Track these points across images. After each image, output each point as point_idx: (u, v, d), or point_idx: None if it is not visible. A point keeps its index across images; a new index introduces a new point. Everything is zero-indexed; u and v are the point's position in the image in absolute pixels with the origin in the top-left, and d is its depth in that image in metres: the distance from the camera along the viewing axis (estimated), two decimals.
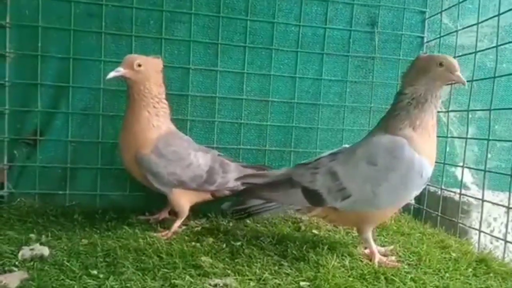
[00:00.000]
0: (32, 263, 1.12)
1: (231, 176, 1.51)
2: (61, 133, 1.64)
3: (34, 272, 1.06)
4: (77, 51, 1.61)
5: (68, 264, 1.11)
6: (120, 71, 1.34)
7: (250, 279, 1.10)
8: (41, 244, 1.23)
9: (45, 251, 1.18)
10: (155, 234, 1.37)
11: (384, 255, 1.30)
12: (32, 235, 1.31)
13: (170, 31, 1.68)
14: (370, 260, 1.26)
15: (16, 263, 1.11)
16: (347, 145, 1.38)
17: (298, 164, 1.36)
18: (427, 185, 1.83)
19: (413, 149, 1.19)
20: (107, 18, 1.63)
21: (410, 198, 1.25)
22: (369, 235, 1.27)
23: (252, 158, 1.78)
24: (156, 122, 1.40)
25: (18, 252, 1.17)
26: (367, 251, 1.31)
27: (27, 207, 1.57)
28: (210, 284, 1.05)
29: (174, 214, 1.50)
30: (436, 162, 1.79)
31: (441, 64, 1.21)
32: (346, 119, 1.83)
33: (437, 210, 1.73)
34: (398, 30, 1.84)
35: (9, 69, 1.59)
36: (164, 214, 1.57)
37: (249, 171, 1.55)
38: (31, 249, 1.18)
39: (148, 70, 1.38)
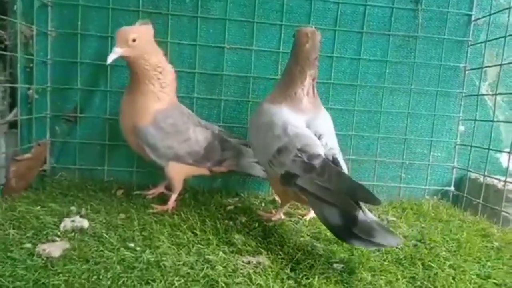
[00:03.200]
0: (73, 234, 1.17)
1: (230, 153, 1.50)
2: (100, 111, 1.68)
3: (75, 242, 1.10)
4: (115, 29, 1.61)
5: (106, 236, 1.15)
6: (118, 51, 1.30)
7: (283, 259, 1.10)
8: (81, 216, 1.28)
9: (85, 223, 1.23)
10: (151, 211, 1.38)
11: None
12: (72, 208, 1.36)
13: (205, 10, 1.67)
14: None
15: (58, 233, 1.16)
16: None
17: None
18: (468, 171, 1.76)
19: None
20: None
21: None
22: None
23: None
24: (160, 94, 1.39)
25: (60, 223, 1.22)
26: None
27: (68, 181, 1.64)
28: (243, 261, 1.06)
29: (170, 189, 1.49)
30: (479, 147, 1.73)
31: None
32: (384, 101, 1.77)
33: (478, 198, 1.65)
34: (444, 8, 1.73)
35: (51, 47, 1.64)
36: (161, 189, 1.58)
37: (245, 148, 1.53)
38: (72, 221, 1.23)
39: (143, 41, 1.33)
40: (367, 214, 1.04)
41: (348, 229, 1.00)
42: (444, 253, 1.19)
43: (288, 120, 1.25)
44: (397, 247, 1.18)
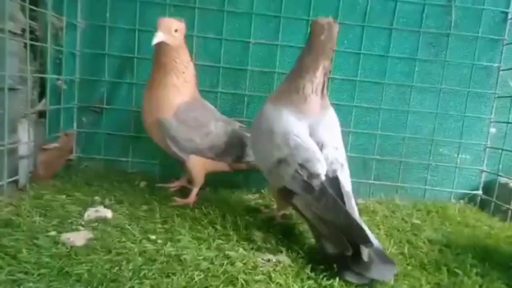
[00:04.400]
0: (96, 224, 1.19)
1: (250, 150, 1.48)
2: (126, 103, 1.71)
3: (98, 232, 1.12)
4: (142, 22, 1.64)
5: (129, 227, 1.16)
6: (161, 36, 1.33)
7: (303, 258, 1.08)
8: (105, 206, 1.30)
9: (109, 213, 1.25)
10: (172, 204, 1.39)
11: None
12: (96, 198, 1.39)
13: (232, 4, 1.66)
14: None
15: (82, 222, 1.19)
16: None
17: None
18: (498, 175, 1.70)
19: None
20: None
21: None
22: None
23: None
24: (183, 88, 1.40)
25: (84, 212, 1.24)
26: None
27: (93, 171, 1.67)
28: (263, 259, 1.05)
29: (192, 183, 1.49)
30: (510, 151, 1.66)
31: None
32: (412, 100, 1.72)
33: (508, 203, 1.59)
34: (479, 4, 1.66)
35: (80, 39, 1.66)
36: (183, 182, 1.59)
37: None
38: (96, 211, 1.25)
39: (181, 35, 1.38)
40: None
41: (344, 262, 0.99)
42: (470, 259, 1.15)
43: (290, 128, 1.16)
44: (421, 252, 1.16)
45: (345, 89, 1.72)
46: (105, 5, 1.63)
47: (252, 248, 1.11)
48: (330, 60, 1.21)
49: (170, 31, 1.34)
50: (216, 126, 1.46)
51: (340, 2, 1.66)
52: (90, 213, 1.24)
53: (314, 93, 1.19)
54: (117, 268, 0.95)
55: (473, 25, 1.68)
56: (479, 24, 1.68)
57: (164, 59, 1.38)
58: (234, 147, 1.48)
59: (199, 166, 1.46)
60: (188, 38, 1.58)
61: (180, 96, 1.40)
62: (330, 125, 1.23)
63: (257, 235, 1.18)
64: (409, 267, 1.08)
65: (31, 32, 1.51)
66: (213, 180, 1.63)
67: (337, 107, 1.70)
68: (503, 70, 1.70)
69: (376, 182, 1.75)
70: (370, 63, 1.71)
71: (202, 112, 1.46)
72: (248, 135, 1.53)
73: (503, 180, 1.70)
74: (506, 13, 1.68)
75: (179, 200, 1.43)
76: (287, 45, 1.68)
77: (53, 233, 1.09)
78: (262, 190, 1.66)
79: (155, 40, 1.31)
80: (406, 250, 1.17)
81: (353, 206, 1.08)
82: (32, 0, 1.45)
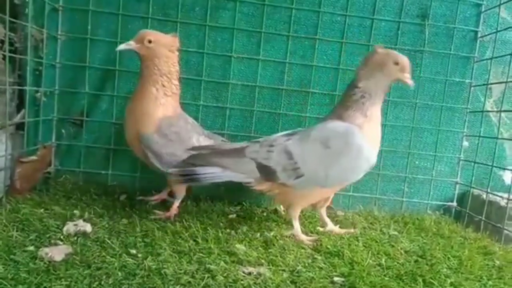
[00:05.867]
0: (75, 238, 1.18)
1: None
2: (106, 115, 1.70)
3: (78, 247, 1.11)
4: (124, 35, 1.64)
5: (109, 241, 1.15)
6: (130, 44, 1.38)
7: (283, 270, 1.10)
8: (84, 220, 1.29)
9: (88, 227, 1.23)
10: (153, 217, 1.39)
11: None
12: (76, 211, 1.37)
13: (214, 18, 1.69)
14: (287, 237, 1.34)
15: (61, 237, 1.17)
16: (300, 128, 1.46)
17: (251, 141, 1.41)
18: (471, 187, 1.76)
19: (365, 137, 1.31)
20: (154, 4, 1.65)
21: (357, 178, 1.37)
22: (298, 214, 1.38)
23: None
24: (163, 101, 1.41)
25: (63, 227, 1.23)
26: (289, 233, 1.36)
27: (72, 184, 1.65)
28: (244, 272, 1.06)
29: (173, 196, 1.50)
30: (482, 164, 1.73)
31: (396, 63, 1.32)
32: (388, 114, 1.77)
33: (480, 214, 1.65)
34: (451, 23, 1.74)
35: (60, 51, 1.66)
36: (163, 196, 1.59)
37: None
38: (75, 225, 1.24)
39: (160, 47, 1.39)
40: None
41: None
42: (445, 270, 1.19)
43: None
44: (398, 263, 1.19)
45: (324, 103, 1.76)
46: (87, 18, 1.63)
47: (233, 261, 1.12)
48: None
49: (142, 41, 1.37)
50: (198, 141, 1.47)
51: (319, 19, 1.71)
52: (69, 227, 1.22)
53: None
54: (97, 283, 0.94)
55: (445, 42, 1.76)
56: (451, 42, 1.76)
57: (143, 69, 1.41)
58: None
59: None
60: None
61: (161, 109, 1.41)
62: None
63: (239, 248, 1.19)
64: (386, 278, 1.11)
65: (11, 44, 1.50)
66: (194, 192, 1.64)
67: (317, 120, 1.76)
68: (474, 86, 1.78)
69: (355, 194, 1.79)
70: (348, 78, 1.74)
71: (184, 126, 1.46)
72: None
73: (476, 192, 1.76)
74: (476, 32, 1.76)
75: (159, 214, 1.43)
76: (268, 60, 1.72)
77: (31, 248, 1.08)
78: (244, 203, 1.67)
79: (119, 47, 1.38)
80: (383, 261, 1.20)
81: None
82: (12, 12, 1.44)
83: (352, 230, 1.45)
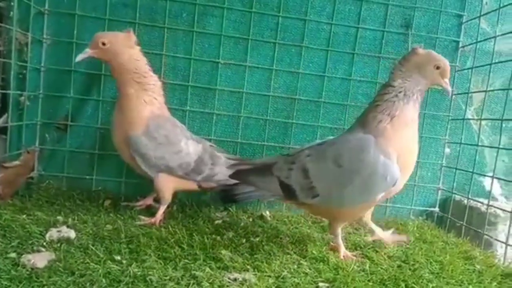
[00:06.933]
0: (59, 244, 1.16)
1: (220, 169, 1.50)
2: (91, 120, 1.69)
3: (61, 253, 1.10)
4: None
5: (93, 248, 1.14)
6: (87, 52, 1.38)
7: (269, 276, 1.10)
8: (67, 226, 1.27)
9: (72, 233, 1.22)
10: (138, 223, 1.38)
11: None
12: (59, 217, 1.35)
13: (201, 25, 1.69)
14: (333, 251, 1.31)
15: (44, 243, 1.15)
16: (331, 137, 1.41)
17: (279, 155, 1.40)
18: (453, 193, 1.80)
19: (381, 148, 1.17)
20: (141, 9, 1.65)
21: (375, 199, 1.23)
22: (338, 231, 1.30)
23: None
24: (146, 97, 1.41)
25: (46, 233, 1.21)
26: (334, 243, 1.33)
27: (55, 190, 1.62)
28: (229, 278, 1.06)
29: (159, 201, 1.49)
30: (463, 170, 1.77)
31: (437, 67, 1.23)
32: None
33: (462, 220, 1.68)
34: (433, 33, 1.79)
35: (45, 54, 1.64)
36: (149, 201, 1.58)
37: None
38: (58, 231, 1.22)
39: (116, 46, 1.39)
40: None
41: None
42: (427, 274, 1.21)
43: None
44: (381, 268, 1.21)
45: (310, 110, 1.78)
46: (73, 22, 1.62)
47: (219, 267, 1.12)
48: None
49: (97, 45, 1.38)
50: (187, 144, 1.47)
51: (305, 27, 1.73)
52: (52, 233, 1.20)
53: None
54: None
55: None
56: (433, 51, 1.79)
57: (113, 73, 1.43)
58: (204, 165, 1.49)
59: (167, 184, 1.46)
60: (157, 56, 1.62)
61: (146, 106, 1.41)
62: None
63: (224, 254, 1.19)
64: (370, 283, 1.12)
65: None
66: (179, 198, 1.63)
67: (303, 127, 1.79)
68: (455, 94, 1.82)
69: None
70: (334, 86, 1.78)
71: (173, 129, 1.46)
72: (220, 154, 1.54)
73: (457, 197, 1.80)
74: (457, 42, 1.81)
75: (145, 219, 1.42)
76: (255, 66, 1.73)
77: (12, 254, 1.06)
78: (230, 208, 1.67)
79: (78, 57, 1.39)
80: (367, 267, 1.21)
81: None
82: None
83: (404, 239, 1.37)
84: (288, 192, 1.27)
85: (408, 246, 1.44)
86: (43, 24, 1.62)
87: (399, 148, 1.19)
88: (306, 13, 1.73)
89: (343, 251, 1.30)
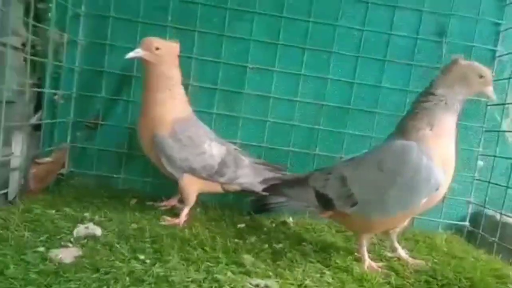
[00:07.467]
0: (85, 241, 1.18)
1: (243, 172, 1.51)
2: (121, 120, 1.72)
3: (87, 250, 1.12)
4: None
5: (118, 246, 1.16)
6: (139, 52, 1.40)
7: (291, 284, 1.09)
8: (94, 223, 1.30)
9: (98, 231, 1.24)
10: (162, 223, 1.40)
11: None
12: (86, 214, 1.38)
13: (231, 29, 1.70)
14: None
15: (71, 239, 1.18)
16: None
17: (316, 169, 1.41)
18: (485, 207, 1.73)
19: (424, 152, 1.16)
20: (173, 13, 1.68)
21: (419, 204, 1.18)
22: (364, 241, 1.28)
23: (300, 162, 1.75)
24: (172, 105, 1.44)
25: (74, 229, 1.23)
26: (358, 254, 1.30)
27: (84, 187, 1.67)
28: (251, 284, 1.05)
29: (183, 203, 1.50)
30: (497, 184, 1.70)
31: (481, 76, 1.23)
32: None
33: (494, 236, 1.61)
34: (469, 41, 1.73)
35: (80, 55, 1.69)
36: (173, 202, 1.59)
37: (261, 168, 1.56)
38: (85, 227, 1.24)
39: (166, 53, 1.42)
40: None
41: None
42: None
43: None
44: (408, 282, 1.17)
45: (337, 117, 1.75)
46: (107, 24, 1.67)
47: (240, 272, 1.11)
48: None
49: (150, 48, 1.40)
50: (210, 146, 1.48)
51: (335, 33, 1.71)
52: (80, 230, 1.23)
53: None
54: (104, 287, 0.94)
55: None
56: (468, 60, 1.73)
57: (150, 76, 1.44)
58: (227, 167, 1.49)
59: (191, 186, 1.47)
60: (186, 59, 1.63)
61: (171, 112, 1.44)
62: None
63: (246, 259, 1.18)
64: None
65: (32, 46, 1.53)
66: (203, 200, 1.64)
67: (329, 134, 1.76)
68: (490, 105, 1.76)
69: None
70: (362, 93, 1.75)
71: (197, 131, 1.48)
72: (243, 157, 1.54)
73: (489, 212, 1.73)
74: (494, 51, 1.75)
75: (169, 220, 1.43)
76: (283, 72, 1.72)
77: (41, 249, 1.09)
78: (252, 213, 1.66)
79: (128, 55, 1.39)
80: (393, 280, 1.17)
81: None
82: (35, 16, 1.48)
83: (423, 263, 1.32)
84: (325, 202, 1.26)
85: (435, 260, 1.39)
86: (79, 26, 1.67)
87: (440, 155, 1.18)
88: (336, 18, 1.71)
89: (368, 262, 1.26)
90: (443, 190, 1.21)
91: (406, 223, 1.35)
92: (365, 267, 1.24)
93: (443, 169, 1.18)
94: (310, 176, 1.32)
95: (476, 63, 1.27)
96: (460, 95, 1.22)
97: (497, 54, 1.75)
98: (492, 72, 1.71)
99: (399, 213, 1.22)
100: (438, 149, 1.18)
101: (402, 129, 1.24)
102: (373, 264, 1.27)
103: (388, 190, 1.17)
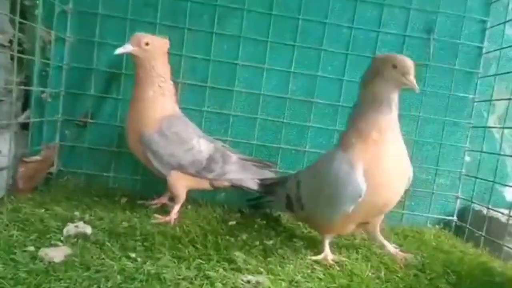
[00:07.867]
0: (75, 239, 1.18)
1: (231, 168, 1.52)
2: (110, 118, 1.71)
3: (77, 248, 1.11)
4: None
5: (108, 244, 1.15)
6: (128, 48, 1.40)
7: (282, 280, 1.09)
8: (84, 222, 1.29)
9: (88, 229, 1.23)
10: (153, 221, 1.40)
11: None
12: (76, 213, 1.37)
13: (221, 26, 1.70)
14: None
15: (61, 238, 1.17)
16: None
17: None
18: (472, 202, 1.76)
19: (348, 161, 1.16)
20: (162, 10, 1.67)
21: (344, 210, 1.18)
22: (326, 241, 1.30)
23: (291, 159, 1.77)
24: (161, 102, 1.44)
25: (64, 227, 1.22)
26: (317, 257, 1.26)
27: (73, 185, 1.65)
28: (242, 280, 1.06)
29: (173, 201, 1.51)
30: (484, 179, 1.73)
31: (394, 66, 1.14)
32: None
33: (481, 230, 1.64)
34: (456, 39, 1.75)
35: (68, 53, 1.67)
36: (164, 200, 1.59)
37: (249, 164, 1.57)
38: (75, 226, 1.23)
39: (155, 49, 1.42)
40: None
41: None
42: (444, 285, 1.18)
43: None
44: (397, 276, 1.19)
45: (327, 114, 1.76)
46: (95, 21, 1.65)
47: (232, 269, 1.11)
48: None
49: (139, 44, 1.40)
50: (199, 142, 1.48)
51: (325, 30, 1.72)
52: (70, 229, 1.22)
53: None
54: (95, 286, 0.94)
55: (450, 58, 1.76)
56: (455, 57, 1.77)
57: (140, 71, 1.43)
58: (215, 163, 1.50)
59: (180, 182, 1.47)
60: (176, 57, 1.63)
61: (160, 110, 1.44)
62: None
63: (238, 256, 1.19)
64: None
65: (19, 44, 1.51)
66: (194, 198, 1.64)
67: (320, 131, 1.77)
68: (477, 101, 1.79)
69: None
70: (352, 89, 1.75)
71: (184, 127, 1.48)
72: (231, 153, 1.55)
73: (477, 207, 1.76)
74: (481, 48, 1.77)
75: (160, 218, 1.43)
76: (273, 69, 1.73)
77: (31, 248, 1.08)
78: (243, 210, 1.67)
79: (118, 51, 1.39)
80: (382, 274, 1.19)
81: None
82: (21, 13, 1.46)
83: (412, 256, 1.33)
84: (288, 203, 1.38)
85: (424, 255, 1.41)
86: (67, 23, 1.65)
87: (369, 161, 1.15)
88: (326, 16, 1.72)
89: (324, 255, 1.26)
90: (378, 197, 1.17)
91: (377, 224, 1.35)
92: (320, 258, 1.24)
93: (372, 174, 1.14)
94: (289, 178, 1.41)
95: (391, 54, 1.20)
96: (384, 92, 1.16)
97: (484, 51, 1.77)
98: (480, 69, 1.76)
99: (334, 218, 1.21)
100: (366, 156, 1.15)
101: (340, 139, 1.29)
102: (329, 257, 1.25)
103: (319, 196, 1.25)
